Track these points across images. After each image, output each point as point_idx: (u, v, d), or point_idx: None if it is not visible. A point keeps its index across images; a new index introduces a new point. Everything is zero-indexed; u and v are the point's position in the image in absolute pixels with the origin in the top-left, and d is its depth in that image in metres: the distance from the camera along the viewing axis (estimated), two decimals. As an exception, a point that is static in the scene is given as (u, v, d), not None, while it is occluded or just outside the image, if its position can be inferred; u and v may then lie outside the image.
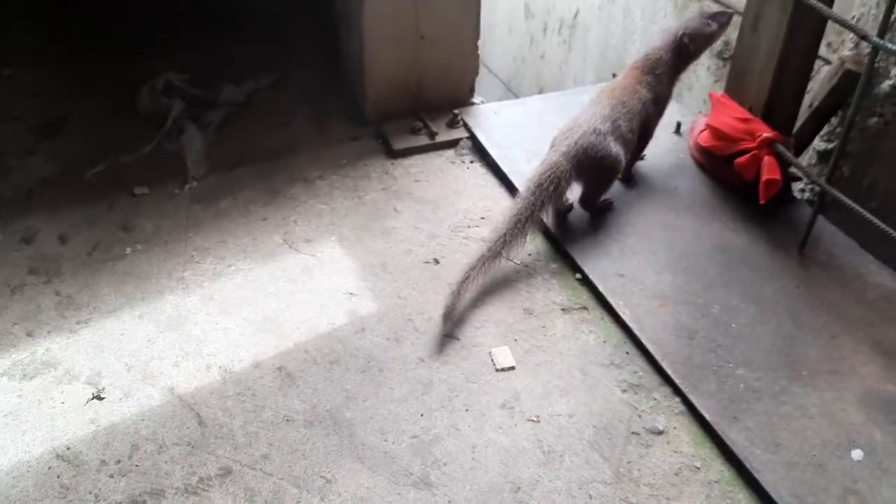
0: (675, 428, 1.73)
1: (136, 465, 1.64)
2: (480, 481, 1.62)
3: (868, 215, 1.93)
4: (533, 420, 1.75)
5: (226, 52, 3.23)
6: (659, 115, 2.41)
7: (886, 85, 2.30)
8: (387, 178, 2.55)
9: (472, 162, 2.63)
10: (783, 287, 2.07)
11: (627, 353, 1.92)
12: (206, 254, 2.21)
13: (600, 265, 2.14)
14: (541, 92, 4.55)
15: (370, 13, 2.57)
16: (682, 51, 2.35)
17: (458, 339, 1.95)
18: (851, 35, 2.41)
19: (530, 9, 4.60)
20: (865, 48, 1.91)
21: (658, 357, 1.87)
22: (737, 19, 2.40)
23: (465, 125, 2.74)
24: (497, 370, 1.87)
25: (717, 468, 1.65)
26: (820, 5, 2.03)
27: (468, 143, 2.70)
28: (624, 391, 1.82)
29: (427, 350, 1.92)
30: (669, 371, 1.83)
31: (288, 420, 1.74)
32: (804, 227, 2.19)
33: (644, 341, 1.91)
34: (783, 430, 1.70)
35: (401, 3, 2.59)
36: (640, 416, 1.75)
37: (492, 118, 2.79)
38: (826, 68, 2.46)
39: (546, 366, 1.88)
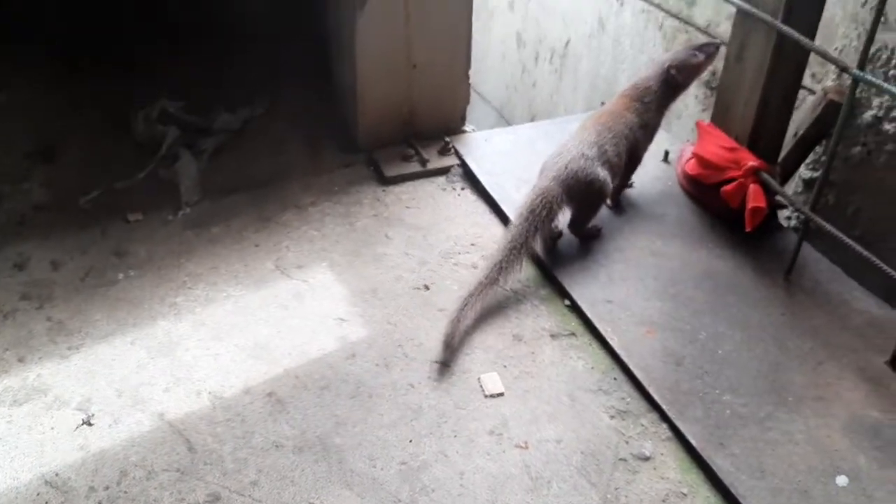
0: (662, 454, 1.74)
1: (125, 492, 1.64)
2: (468, 508, 1.62)
3: (852, 243, 1.96)
4: (521, 446, 1.76)
5: (219, 80, 3.27)
6: (647, 142, 2.45)
7: (869, 115, 2.34)
8: (378, 204, 2.57)
9: (462, 189, 2.67)
10: (769, 314, 2.10)
11: (615, 379, 1.93)
12: (199, 280, 2.23)
13: (589, 291, 2.17)
14: (533, 119, 4.61)
15: (362, 43, 2.61)
16: (670, 81, 2.40)
17: (448, 365, 1.96)
18: (835, 66, 2.46)
19: (522, 38, 4.67)
20: (848, 79, 1.95)
21: (645, 383, 1.88)
22: (723, 50, 2.46)
23: (457, 153, 2.78)
24: (486, 396, 1.88)
25: (704, 494, 1.66)
26: (802, 38, 2.08)
27: (459, 170, 2.74)
28: (612, 417, 1.83)
29: (417, 376, 1.93)
30: (656, 397, 1.85)
31: (277, 446, 1.74)
32: (790, 255, 2.22)
33: (632, 367, 1.92)
34: (769, 457, 1.71)
35: (393, 33, 2.64)
36: (627, 443, 1.77)
37: (483, 146, 2.83)
38: (810, 98, 2.51)
39: (534, 392, 1.89)
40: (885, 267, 1.89)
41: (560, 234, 2.35)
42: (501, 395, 1.88)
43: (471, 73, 2.88)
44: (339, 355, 1.98)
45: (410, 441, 1.76)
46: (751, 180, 2.27)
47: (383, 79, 2.72)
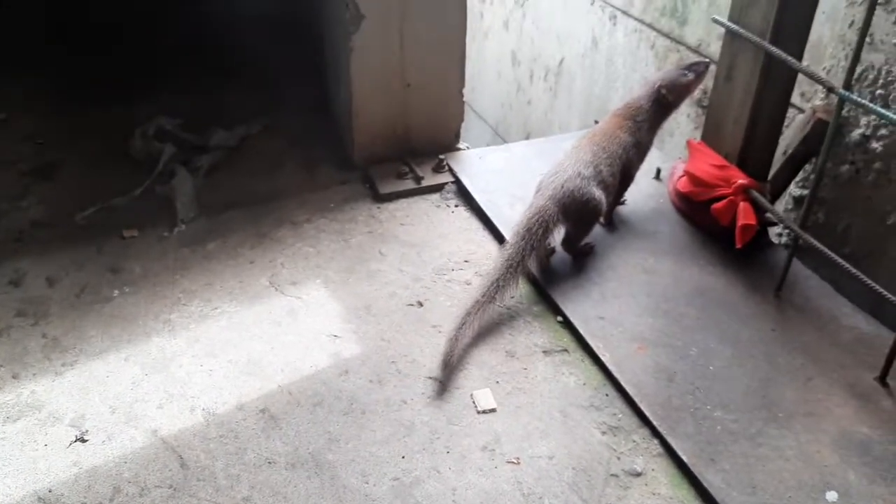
0: (653, 470, 1.75)
1: (118, 508, 1.64)
2: (460, 524, 1.63)
3: (841, 260, 1.99)
4: (513, 462, 1.76)
5: (217, 98, 3.31)
6: (640, 160, 2.48)
7: (857, 134, 2.37)
8: (373, 221, 2.59)
9: (456, 206, 2.69)
10: (760, 330, 2.11)
11: (607, 395, 1.94)
12: (193, 296, 2.24)
13: (581, 308, 2.18)
14: (528, 137, 4.65)
15: (358, 62, 2.65)
16: (661, 101, 2.43)
17: (441, 382, 1.97)
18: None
19: (517, 56, 4.72)
20: (835, 98, 1.98)
21: (637, 399, 1.89)
22: (713, 68, 2.49)
23: (451, 170, 2.81)
24: (478, 412, 1.89)
25: (695, 510, 1.67)
26: (789, 58, 2.12)
27: (453, 187, 2.76)
28: (603, 433, 1.84)
29: (410, 392, 1.94)
30: (648, 413, 1.86)
31: (270, 462, 1.75)
32: (780, 271, 2.24)
33: (623, 383, 1.94)
34: (760, 472, 1.72)
35: (387, 53, 2.68)
36: (618, 458, 1.77)
37: (477, 163, 2.86)
38: (799, 117, 2.54)
39: (527, 408, 1.90)
40: (873, 284, 1.91)
41: (553, 251, 2.37)
42: (494, 411, 1.89)
43: (466, 91, 2.92)
44: (333, 372, 2.00)
45: (403, 457, 1.77)
46: (741, 198, 2.30)
47: (378, 97, 2.75)
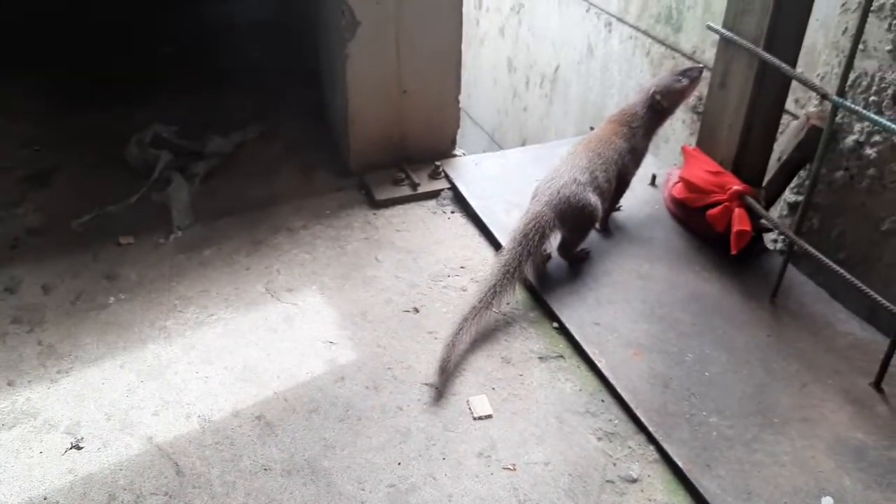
0: (649, 476, 1.75)
1: (113, 516, 1.64)
2: (456, 530, 1.63)
3: (835, 266, 1.99)
4: (509, 468, 1.76)
5: (213, 104, 3.32)
6: (635, 167, 2.49)
7: (851, 140, 2.39)
8: (369, 227, 2.60)
9: (452, 212, 2.69)
10: (755, 336, 2.12)
11: (603, 401, 1.95)
12: (189, 303, 2.24)
13: (577, 314, 2.18)
14: (524, 143, 4.66)
15: (354, 69, 2.65)
16: (656, 106, 2.44)
17: (437, 388, 1.97)
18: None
19: (513, 63, 4.74)
20: (829, 105, 2.00)
21: (632, 405, 1.89)
22: (707, 74, 2.50)
23: (447, 176, 2.81)
24: (474, 419, 1.89)
25: (691, 516, 1.67)
26: (783, 65, 2.13)
27: (449, 193, 2.77)
28: (599, 439, 1.84)
29: (405, 399, 1.94)
30: (644, 419, 1.86)
31: (266, 469, 1.75)
32: (775, 277, 2.25)
33: (619, 389, 1.94)
34: (755, 478, 1.72)
35: (384, 60, 2.69)
36: (614, 465, 1.78)
37: (472, 170, 2.87)
38: (793, 123, 2.55)
39: (523, 414, 1.91)
40: (868, 290, 1.92)
41: (549, 257, 2.38)
42: (490, 417, 1.89)
43: (462, 97, 2.93)
44: (329, 378, 1.99)
45: (399, 464, 1.77)
46: (736, 204, 2.30)
47: (374, 103, 2.75)
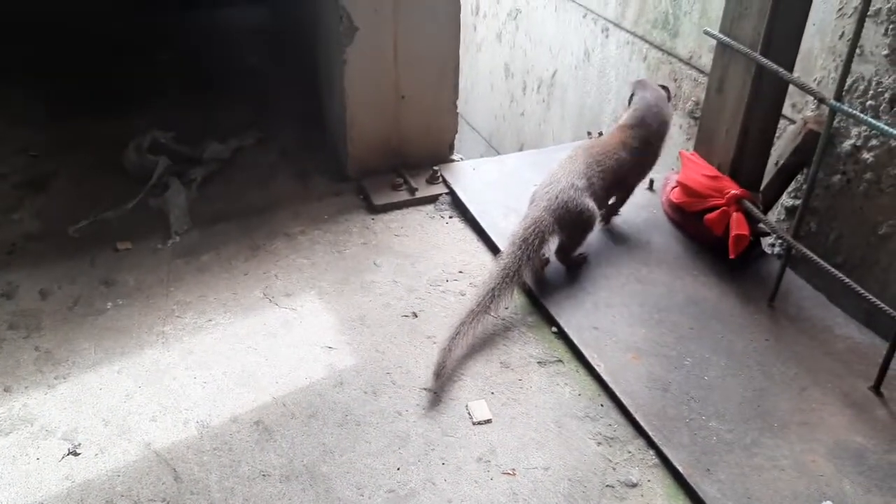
0: (648, 481, 1.75)
1: (110, 522, 1.63)
2: (456, 536, 1.62)
3: (833, 270, 2.00)
4: (509, 473, 1.76)
5: (211, 110, 3.32)
6: (641, 175, 2.50)
7: (848, 144, 2.39)
8: (367, 232, 2.59)
9: (450, 217, 2.69)
10: (753, 340, 2.12)
11: (602, 405, 1.94)
12: (187, 308, 2.24)
13: (575, 318, 2.18)
14: (521, 148, 4.66)
15: (351, 74, 2.66)
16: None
17: (436, 393, 1.97)
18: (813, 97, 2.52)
19: (510, 69, 4.75)
20: (826, 109, 2.00)
21: (632, 409, 1.89)
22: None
23: (445, 181, 2.81)
24: (474, 423, 1.89)
25: (691, 521, 1.67)
26: (780, 69, 2.14)
27: (447, 198, 2.77)
28: (599, 444, 1.84)
29: (404, 403, 1.94)
30: (643, 423, 1.86)
31: (264, 475, 1.74)
32: (773, 281, 2.25)
33: (618, 394, 1.94)
34: (755, 482, 1.72)
35: (382, 65, 2.69)
36: (614, 469, 1.77)
37: (470, 175, 2.87)
38: (791, 128, 2.56)
39: (522, 419, 1.90)
40: (866, 293, 1.92)
41: (547, 261, 2.38)
42: (489, 422, 1.89)
43: (459, 103, 2.93)
44: (327, 383, 1.99)
45: (398, 469, 1.76)
46: (734, 208, 2.31)
47: (372, 109, 2.76)
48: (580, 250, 2.38)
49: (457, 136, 2.99)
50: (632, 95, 2.52)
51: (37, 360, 2.04)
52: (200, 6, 4.30)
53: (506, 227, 2.50)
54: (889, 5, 2.19)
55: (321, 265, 2.43)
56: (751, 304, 2.25)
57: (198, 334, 2.14)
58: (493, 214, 2.62)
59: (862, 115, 1.94)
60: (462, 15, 2.74)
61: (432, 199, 2.76)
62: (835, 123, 2.37)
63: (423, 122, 2.86)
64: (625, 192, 2.52)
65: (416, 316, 2.23)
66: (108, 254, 2.46)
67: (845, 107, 1.95)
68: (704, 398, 1.93)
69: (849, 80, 2.31)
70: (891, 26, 2.20)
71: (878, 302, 1.89)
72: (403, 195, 2.76)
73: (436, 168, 2.84)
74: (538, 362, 2.07)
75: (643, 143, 2.42)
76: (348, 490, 1.70)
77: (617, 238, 2.53)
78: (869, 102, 2.30)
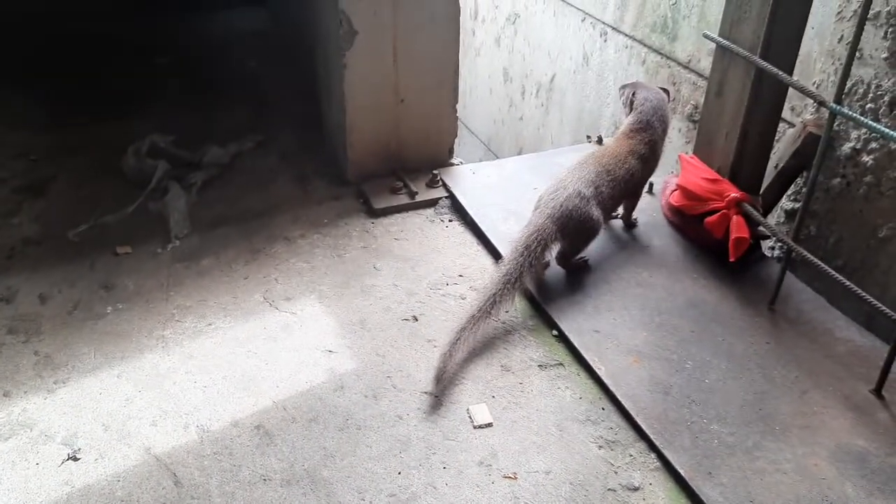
0: (650, 484, 1.74)
1: (110, 527, 1.62)
2: (457, 540, 1.62)
3: (833, 273, 2.00)
4: (510, 477, 1.75)
5: (210, 114, 3.32)
6: (647, 179, 2.52)
7: (847, 147, 2.39)
8: (367, 236, 2.59)
9: (450, 221, 2.69)
10: (754, 343, 2.12)
11: (603, 408, 1.94)
12: (187, 312, 2.23)
13: (576, 322, 2.18)
14: (520, 152, 4.67)
15: (351, 78, 2.66)
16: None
17: (437, 397, 1.96)
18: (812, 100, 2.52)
19: (509, 73, 4.75)
20: (826, 112, 2.00)
21: (633, 413, 1.89)
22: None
23: (445, 185, 2.81)
24: (475, 427, 1.88)
25: (693, 524, 1.66)
26: (780, 73, 2.14)
27: (447, 202, 2.77)
28: (600, 447, 1.83)
29: (405, 407, 1.93)
30: (644, 427, 1.85)
31: (265, 479, 1.73)
32: (774, 284, 2.25)
33: (619, 397, 1.93)
34: (757, 486, 1.72)
35: (381, 69, 2.69)
36: (616, 473, 1.77)
37: (470, 178, 2.87)
38: (790, 131, 2.56)
39: (523, 422, 1.90)
40: (866, 296, 1.92)
41: (547, 265, 2.37)
42: (490, 425, 1.88)
43: (458, 107, 2.93)
44: (328, 387, 1.98)
45: (399, 473, 1.75)
46: (733, 211, 2.31)
47: (372, 113, 2.76)
48: (581, 255, 2.37)
49: (456, 140, 2.99)
50: (631, 98, 2.51)
51: (36, 365, 2.03)
52: (200, 9, 4.30)
53: (505, 230, 2.50)
54: (888, 8, 2.20)
55: (321, 269, 2.42)
56: (751, 308, 2.25)
57: (198, 338, 2.13)
58: (492, 218, 2.62)
59: (862, 118, 1.95)
60: (461, 19, 2.74)
61: (432, 203, 2.76)
62: (834, 126, 2.37)
63: (423, 125, 2.86)
64: (634, 198, 2.52)
65: (417, 319, 2.22)
66: (107, 258, 2.46)
67: (846, 110, 1.96)
68: (705, 401, 1.93)
69: (848, 84, 2.31)
70: (890, 29, 2.20)
71: (879, 304, 1.89)
72: (403, 199, 2.76)
73: (435, 172, 2.84)
74: (539, 366, 2.07)
75: (651, 148, 2.42)
76: (349, 494, 1.70)
77: (617, 242, 2.53)
78: (868, 106, 2.30)
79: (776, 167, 2.51)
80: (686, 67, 3.20)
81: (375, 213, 2.70)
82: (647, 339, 2.12)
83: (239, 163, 3.00)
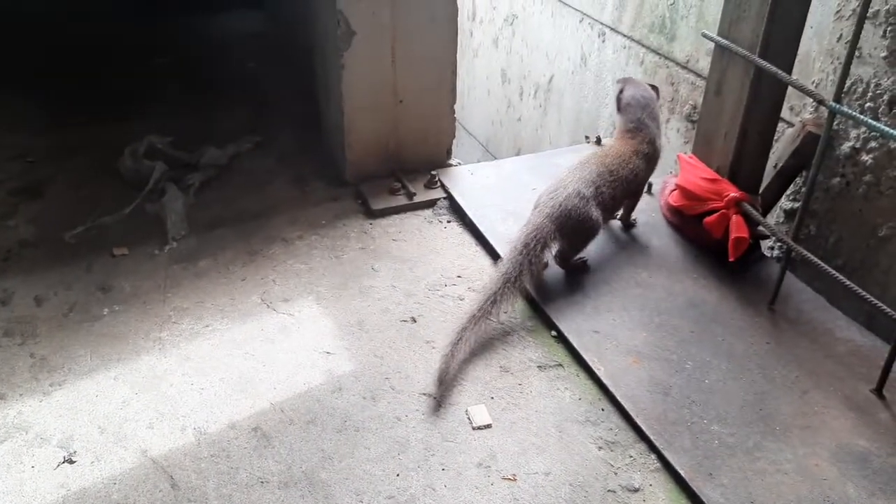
0: (650, 485, 1.73)
1: (106, 531, 1.61)
2: (456, 542, 1.60)
3: (833, 272, 1.99)
4: (509, 479, 1.74)
5: (208, 115, 3.31)
6: (648, 177, 2.50)
7: (847, 146, 2.39)
8: (365, 237, 2.58)
9: (448, 221, 2.68)
10: (754, 343, 2.11)
11: (603, 409, 1.93)
12: (184, 314, 2.22)
13: (575, 322, 2.17)
14: (518, 153, 4.66)
15: (349, 79, 2.65)
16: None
17: (435, 398, 1.95)
18: (812, 99, 2.51)
19: (507, 74, 4.75)
20: (825, 111, 2.00)
21: (633, 413, 1.88)
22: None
23: (443, 186, 2.80)
24: (474, 428, 1.87)
25: (694, 525, 1.65)
26: (779, 72, 2.13)
27: (445, 203, 2.76)
28: (600, 448, 1.82)
29: (404, 409, 1.92)
30: (644, 427, 1.84)
31: (262, 482, 1.72)
32: (773, 284, 2.24)
33: (619, 398, 1.92)
34: (758, 486, 1.71)
35: (379, 70, 2.68)
36: (616, 474, 1.76)
37: (468, 179, 2.86)
38: (789, 130, 2.55)
39: (522, 423, 1.88)
40: (866, 295, 1.91)
41: (546, 265, 2.36)
42: (489, 427, 1.87)
43: (456, 108, 2.92)
44: (326, 389, 1.97)
45: (398, 475, 1.74)
46: (733, 211, 2.30)
47: (370, 114, 2.75)
48: (580, 255, 2.36)
49: (454, 141, 2.98)
50: (619, 95, 2.50)
51: (32, 367, 2.02)
52: (199, 10, 4.29)
53: (504, 231, 2.49)
54: (887, 7, 2.19)
55: (319, 270, 2.41)
56: (751, 308, 2.24)
57: (195, 340, 2.12)
58: (491, 218, 2.61)
59: (861, 117, 1.94)
60: (459, 20, 2.74)
61: (430, 204, 2.75)
62: (834, 125, 2.36)
63: (421, 126, 2.85)
64: (635, 198, 2.51)
65: (415, 321, 2.21)
66: (104, 259, 2.44)
67: (845, 108, 1.95)
68: (706, 402, 1.92)
69: (847, 83, 2.31)
70: (889, 28, 2.20)
71: (880, 304, 1.88)
72: (401, 200, 2.75)
73: (434, 172, 2.83)
74: (538, 366, 2.06)
75: (651, 145, 2.41)
76: (347, 497, 1.69)
77: (616, 242, 2.52)
78: (868, 105, 2.30)
79: (775, 167, 2.50)
80: (684, 67, 3.20)
81: (373, 214, 2.69)
82: (647, 340, 2.11)
83: (237, 164, 2.99)
